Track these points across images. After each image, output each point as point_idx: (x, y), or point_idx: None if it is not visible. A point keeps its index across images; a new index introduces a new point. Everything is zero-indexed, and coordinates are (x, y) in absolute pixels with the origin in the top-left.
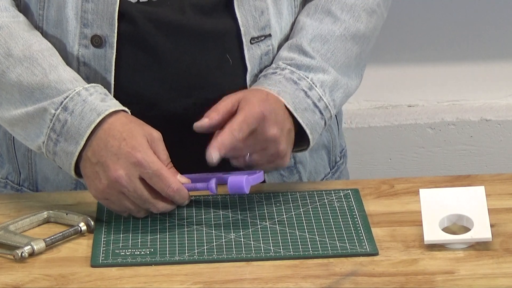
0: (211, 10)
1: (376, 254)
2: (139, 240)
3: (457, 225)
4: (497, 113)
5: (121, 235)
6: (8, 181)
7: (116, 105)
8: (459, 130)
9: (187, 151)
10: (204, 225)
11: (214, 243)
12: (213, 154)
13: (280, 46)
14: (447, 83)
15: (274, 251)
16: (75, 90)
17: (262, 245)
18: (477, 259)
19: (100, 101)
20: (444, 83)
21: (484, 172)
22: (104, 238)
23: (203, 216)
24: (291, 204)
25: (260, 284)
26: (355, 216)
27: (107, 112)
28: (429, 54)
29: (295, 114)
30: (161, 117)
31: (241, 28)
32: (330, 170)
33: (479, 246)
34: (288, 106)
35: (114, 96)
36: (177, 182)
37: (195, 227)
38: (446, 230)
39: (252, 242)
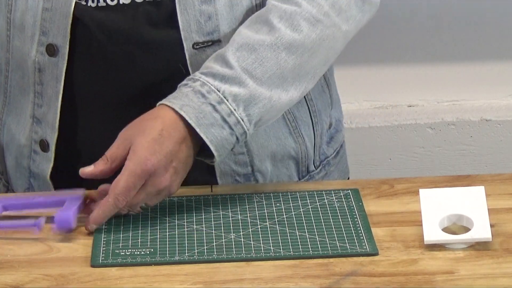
0: (157, 20)
1: (376, 254)
2: (139, 240)
3: (457, 225)
4: (497, 113)
5: (121, 235)
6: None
7: None
8: (459, 130)
9: None
10: (204, 225)
11: (214, 243)
12: (91, 228)
13: None
14: (447, 83)
15: (274, 251)
16: None
17: (262, 245)
18: (477, 259)
19: None
20: (444, 83)
21: (484, 172)
22: (104, 238)
23: (203, 216)
24: (291, 204)
25: (260, 284)
26: (355, 216)
27: None
28: (429, 54)
29: (198, 130)
30: (113, 124)
31: (181, 33)
32: (299, 179)
33: (479, 246)
34: (190, 122)
35: (63, 103)
36: None
37: (195, 227)
38: (446, 230)
39: (252, 242)
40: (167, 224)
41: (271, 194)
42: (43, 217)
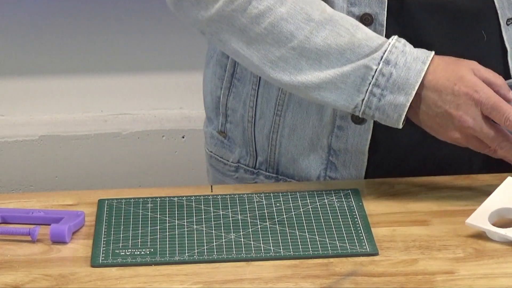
0: None
1: (376, 254)
2: (139, 240)
3: None
4: None
5: (121, 235)
6: (240, 165)
7: (426, 51)
8: None
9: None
10: (204, 225)
11: (214, 243)
12: None
13: None
14: None
15: (274, 251)
16: (389, 43)
17: (262, 245)
18: (477, 259)
19: (414, 49)
20: None
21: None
22: (104, 238)
23: (203, 216)
24: (291, 204)
25: (260, 284)
26: (355, 216)
27: (430, 58)
28: None
29: None
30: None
31: (498, 10)
32: None
33: (479, 246)
34: None
35: None
36: None
37: (195, 227)
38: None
39: (252, 242)
40: (167, 224)
41: (271, 194)
42: (38, 226)
